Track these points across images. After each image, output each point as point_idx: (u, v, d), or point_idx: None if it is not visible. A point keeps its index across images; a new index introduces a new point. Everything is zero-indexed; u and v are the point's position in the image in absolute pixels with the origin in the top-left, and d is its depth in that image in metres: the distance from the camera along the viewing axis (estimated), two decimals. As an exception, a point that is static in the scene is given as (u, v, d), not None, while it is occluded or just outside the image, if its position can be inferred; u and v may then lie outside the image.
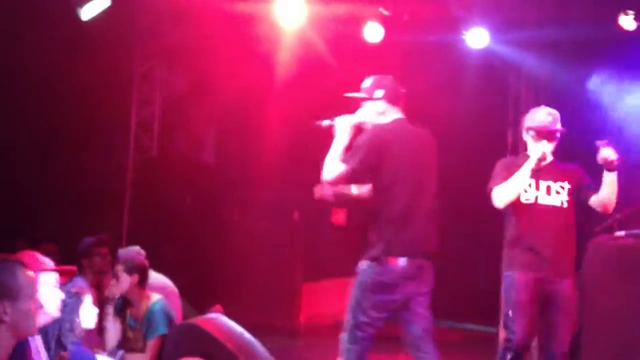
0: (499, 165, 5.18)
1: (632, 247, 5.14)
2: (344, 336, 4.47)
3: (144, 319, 4.96)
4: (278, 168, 9.38)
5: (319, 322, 9.17)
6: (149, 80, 9.31)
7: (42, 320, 3.31)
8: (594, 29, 7.30)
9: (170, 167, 9.29)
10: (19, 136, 7.99)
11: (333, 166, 4.44)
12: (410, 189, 4.43)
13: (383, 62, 6.85)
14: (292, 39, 7.97)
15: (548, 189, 5.05)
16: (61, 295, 3.51)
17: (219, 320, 4.85)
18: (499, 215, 5.20)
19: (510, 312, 4.99)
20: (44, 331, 3.51)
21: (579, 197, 5.09)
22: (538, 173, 4.99)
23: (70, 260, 5.00)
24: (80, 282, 5.00)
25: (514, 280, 5.01)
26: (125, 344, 5.04)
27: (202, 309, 5.59)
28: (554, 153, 5.11)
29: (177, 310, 5.37)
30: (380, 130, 4.51)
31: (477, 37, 7.88)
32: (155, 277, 5.41)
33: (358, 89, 4.68)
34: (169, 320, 4.98)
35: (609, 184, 4.94)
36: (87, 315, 4.09)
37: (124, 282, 5.01)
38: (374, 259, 4.40)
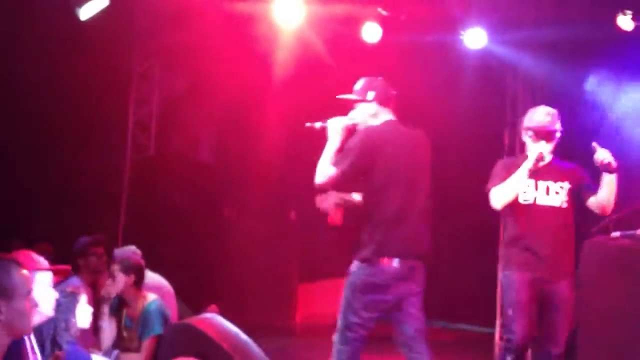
0: (499, 166, 5.17)
1: (628, 248, 5.13)
2: (335, 337, 4.47)
3: (140, 319, 4.96)
4: (276, 168, 9.39)
5: (315, 322, 9.17)
6: (147, 80, 9.29)
7: (36, 319, 3.31)
8: (592, 29, 7.29)
9: (168, 167, 9.27)
10: (16, 135, 7.98)
11: (324, 169, 4.43)
12: (404, 189, 4.42)
13: (381, 62, 6.87)
14: (291, 39, 7.98)
15: (547, 189, 5.04)
16: (56, 294, 3.52)
17: (215, 320, 4.84)
18: (494, 215, 5.19)
19: (510, 312, 4.99)
20: (39, 330, 3.51)
21: (578, 197, 5.08)
22: (537, 173, 4.97)
23: (66, 260, 5.00)
24: (75, 282, 5.00)
25: (512, 280, 5.01)
26: (120, 343, 5.04)
27: (198, 309, 5.58)
28: (554, 153, 5.10)
29: (172, 310, 5.36)
30: (371, 132, 4.50)
31: (475, 38, 7.89)
32: (151, 277, 5.40)
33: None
34: (165, 320, 4.97)
35: (608, 185, 4.93)
36: (82, 314, 4.08)
37: (120, 281, 5.00)
38: (364, 260, 4.39)
